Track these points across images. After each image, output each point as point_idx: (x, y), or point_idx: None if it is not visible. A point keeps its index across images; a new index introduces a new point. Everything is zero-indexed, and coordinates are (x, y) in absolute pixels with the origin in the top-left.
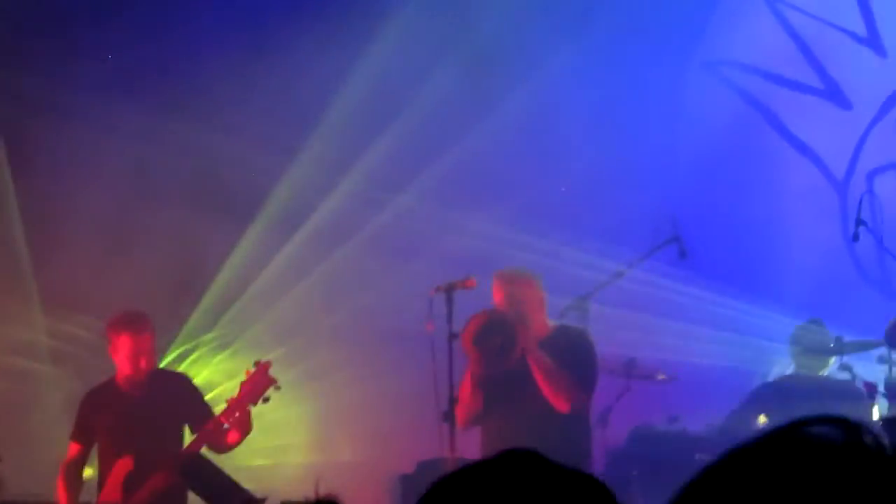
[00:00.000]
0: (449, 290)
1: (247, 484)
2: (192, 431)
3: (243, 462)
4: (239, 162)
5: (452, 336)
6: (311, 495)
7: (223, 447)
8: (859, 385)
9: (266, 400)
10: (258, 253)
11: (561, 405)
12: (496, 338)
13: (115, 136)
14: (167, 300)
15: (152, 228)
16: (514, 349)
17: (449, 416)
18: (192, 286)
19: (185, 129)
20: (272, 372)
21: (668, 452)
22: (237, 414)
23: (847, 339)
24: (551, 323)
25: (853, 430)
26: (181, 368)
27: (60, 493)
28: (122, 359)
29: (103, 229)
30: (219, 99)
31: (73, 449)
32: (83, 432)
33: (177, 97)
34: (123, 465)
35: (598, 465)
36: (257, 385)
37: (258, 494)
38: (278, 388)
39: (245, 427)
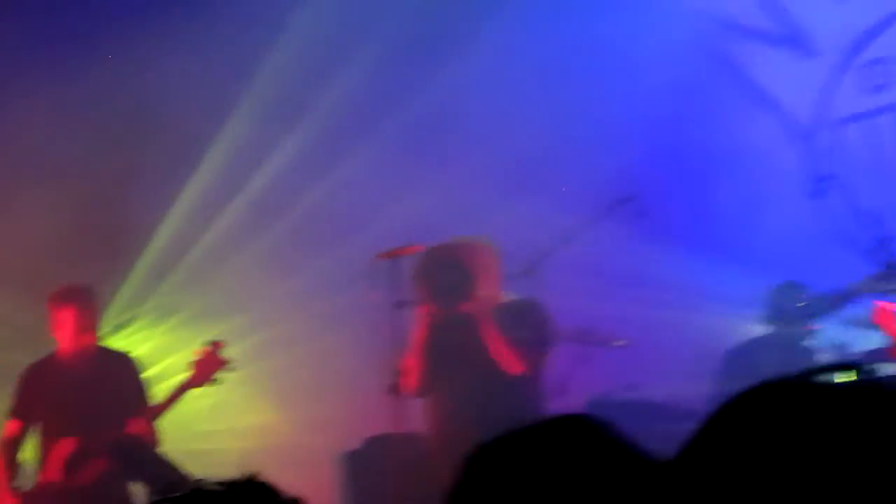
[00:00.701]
0: (393, 257)
1: (186, 468)
2: (132, 414)
3: (182, 446)
4: (175, 105)
5: (397, 305)
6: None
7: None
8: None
9: (214, 381)
10: (194, 217)
11: (513, 365)
12: (449, 273)
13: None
14: (94, 263)
15: (74, 176)
16: (467, 288)
17: (394, 389)
18: (120, 249)
19: (118, 70)
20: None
21: (628, 421)
22: (181, 395)
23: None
24: (503, 296)
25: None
26: (116, 342)
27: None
28: (64, 335)
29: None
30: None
31: (12, 426)
32: (23, 409)
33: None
34: (65, 445)
35: None
36: (209, 366)
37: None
38: (232, 369)
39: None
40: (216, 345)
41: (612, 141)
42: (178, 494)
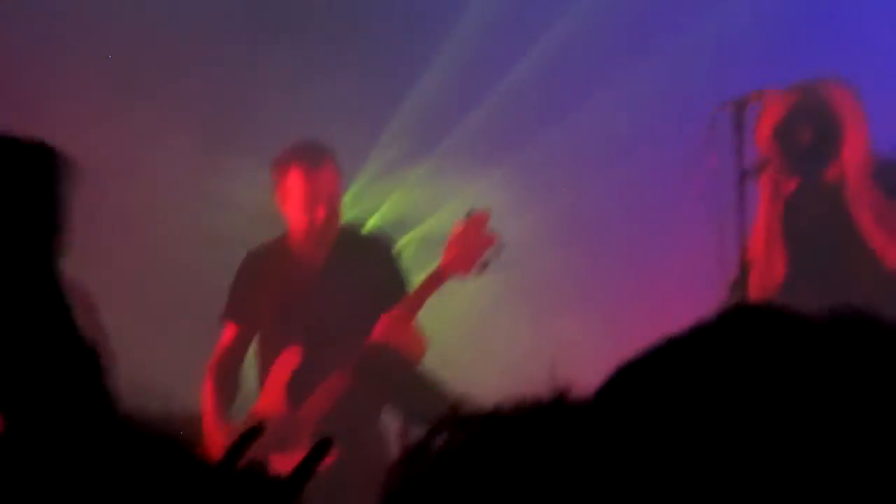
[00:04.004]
0: (738, 107)
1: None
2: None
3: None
4: None
5: (744, 174)
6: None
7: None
8: None
9: (483, 267)
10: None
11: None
12: (808, 126)
13: None
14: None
15: None
16: (831, 148)
17: (740, 286)
18: None
19: None
20: None
21: None
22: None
23: None
24: (877, 155)
25: None
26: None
27: (206, 397)
28: (293, 208)
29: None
30: None
31: (228, 333)
32: (241, 310)
33: None
34: (288, 360)
35: None
36: (471, 245)
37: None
38: (500, 251)
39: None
40: (480, 217)
41: None
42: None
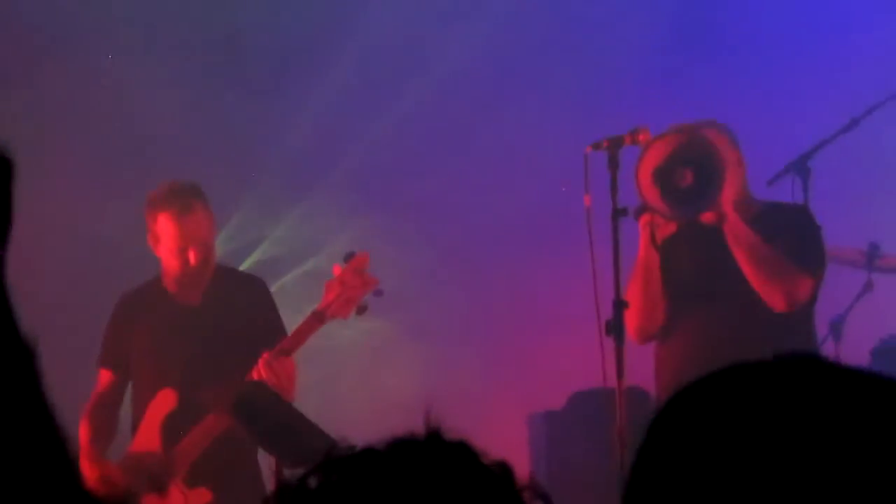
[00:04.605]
0: (612, 147)
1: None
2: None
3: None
4: None
5: (618, 213)
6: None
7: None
8: None
9: (363, 310)
10: None
11: (776, 300)
12: (688, 169)
13: None
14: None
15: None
16: (712, 191)
17: (614, 327)
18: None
19: None
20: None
21: None
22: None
23: None
24: (756, 200)
25: None
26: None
27: (83, 436)
28: (165, 251)
29: None
30: None
31: (104, 378)
32: (115, 354)
33: None
34: (163, 402)
35: None
36: (350, 287)
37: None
38: (381, 292)
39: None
40: (359, 259)
41: None
42: (343, 455)
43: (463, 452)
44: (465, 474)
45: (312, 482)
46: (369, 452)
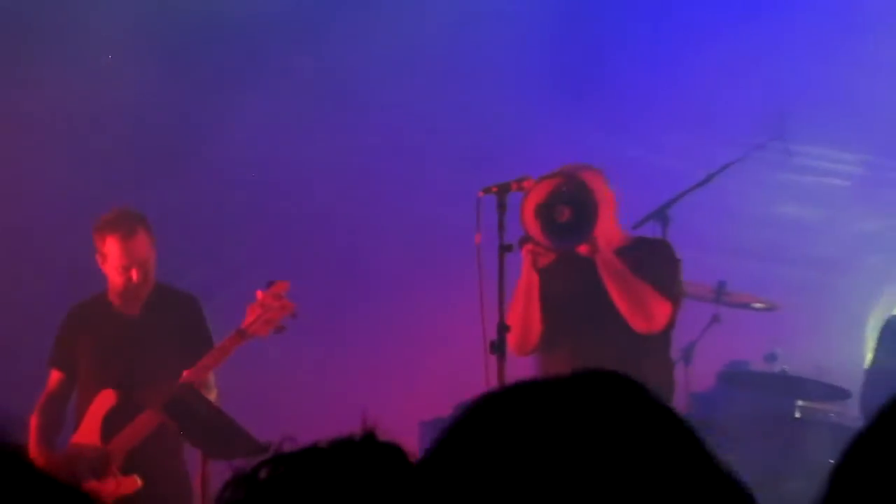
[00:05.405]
0: (501, 192)
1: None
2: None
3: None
4: None
5: (504, 249)
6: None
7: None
8: None
9: (280, 329)
10: None
11: (638, 322)
12: (566, 207)
13: None
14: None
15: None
16: (587, 226)
17: (498, 347)
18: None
19: None
20: None
21: (763, 397)
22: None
23: None
24: (626, 233)
25: None
26: None
27: (33, 431)
28: (111, 270)
29: None
30: None
31: (54, 378)
32: (65, 357)
33: None
34: (104, 400)
35: (678, 409)
36: (271, 311)
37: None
38: (294, 315)
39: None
40: (279, 286)
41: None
42: (288, 453)
43: (393, 450)
44: (396, 468)
45: (263, 473)
46: (314, 450)
